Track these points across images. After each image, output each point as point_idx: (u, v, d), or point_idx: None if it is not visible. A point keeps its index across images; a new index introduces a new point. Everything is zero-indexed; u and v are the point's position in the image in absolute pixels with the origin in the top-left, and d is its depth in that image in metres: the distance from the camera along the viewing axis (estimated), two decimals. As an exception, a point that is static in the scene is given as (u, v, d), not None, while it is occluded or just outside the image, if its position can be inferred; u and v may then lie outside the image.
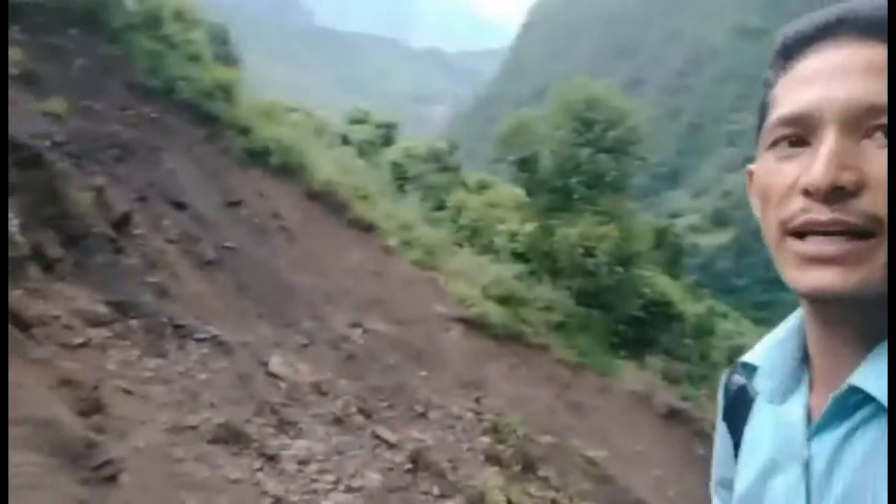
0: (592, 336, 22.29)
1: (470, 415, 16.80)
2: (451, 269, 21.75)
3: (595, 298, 23.15)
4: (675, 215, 78.85)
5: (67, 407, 11.35)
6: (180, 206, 17.00)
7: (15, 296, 12.30)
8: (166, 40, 18.13)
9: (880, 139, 0.94)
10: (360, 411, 14.36)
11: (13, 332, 11.89)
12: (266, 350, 16.05)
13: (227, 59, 23.36)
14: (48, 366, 11.88)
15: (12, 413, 10.44)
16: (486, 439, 14.50)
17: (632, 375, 21.40)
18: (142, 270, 15.16)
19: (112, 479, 9.05)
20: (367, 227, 21.52)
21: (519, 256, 24.59)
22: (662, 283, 26.87)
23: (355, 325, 18.34)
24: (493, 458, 13.65)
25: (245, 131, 19.44)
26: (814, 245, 0.97)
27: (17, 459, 8.77)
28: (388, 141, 35.99)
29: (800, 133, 1.04)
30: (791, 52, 1.07)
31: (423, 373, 17.46)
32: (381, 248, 21.80)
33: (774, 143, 1.08)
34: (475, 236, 26.46)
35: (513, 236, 25.07)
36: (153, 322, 14.96)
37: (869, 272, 0.93)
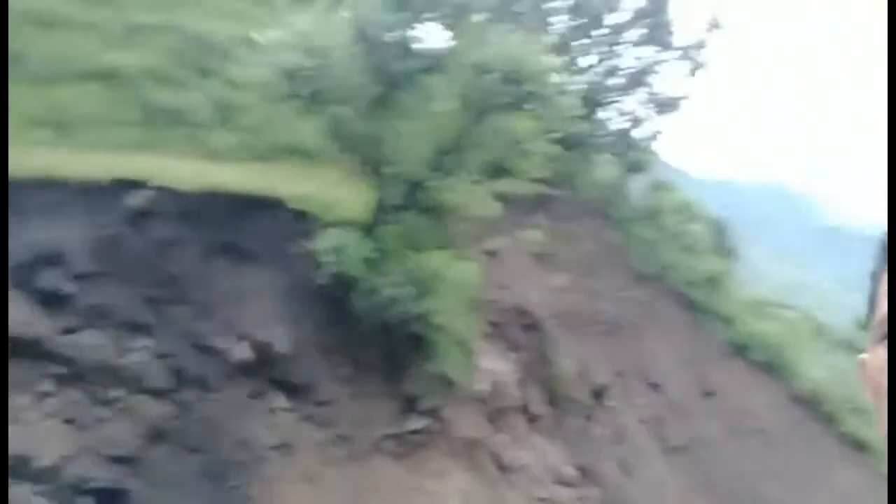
0: None
1: None
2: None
3: None
4: None
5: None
6: (655, 387, 17.40)
7: (500, 440, 13.96)
8: (664, 231, 19.49)
9: None
10: None
11: (494, 471, 13.43)
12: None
13: (723, 251, 23.72)
14: (515, 511, 13.01)
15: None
16: None
17: None
18: (609, 442, 15.75)
19: None
20: (860, 447, 18.67)
21: None
22: None
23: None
24: None
25: (729, 322, 19.21)
26: None
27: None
28: (902, 354, 31.22)
29: None
30: None
31: None
32: (878, 476, 18.59)
33: (885, 338, 1.05)
34: None
35: None
36: (613, 497, 15.24)
37: None
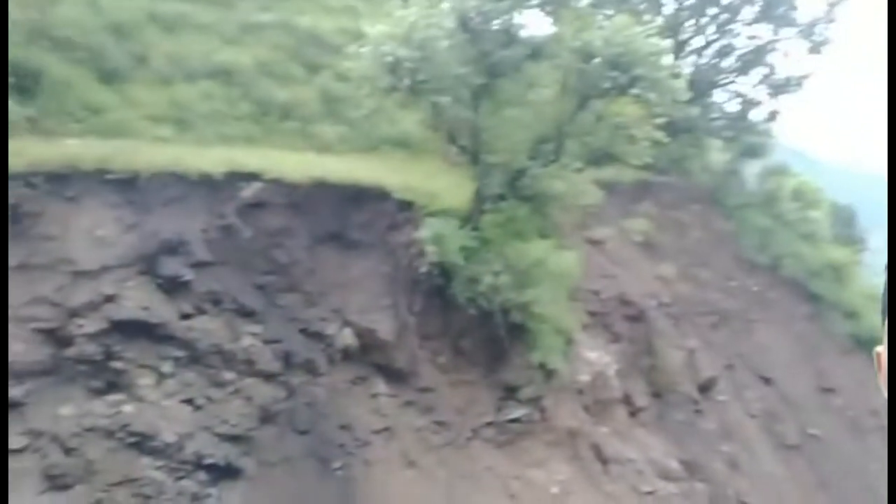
0: None
1: None
2: None
3: None
4: None
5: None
6: (767, 381, 16.69)
7: (601, 432, 13.80)
8: (780, 218, 18.55)
9: None
10: None
11: (596, 463, 13.31)
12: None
13: (849, 240, 22.37)
14: (616, 503, 12.87)
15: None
16: None
17: None
18: (717, 437, 15.26)
19: None
20: None
21: None
22: None
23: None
24: None
25: (853, 315, 18.12)
26: None
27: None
28: None
29: None
30: None
31: None
32: None
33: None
34: None
35: None
36: (719, 492, 14.78)
37: None
